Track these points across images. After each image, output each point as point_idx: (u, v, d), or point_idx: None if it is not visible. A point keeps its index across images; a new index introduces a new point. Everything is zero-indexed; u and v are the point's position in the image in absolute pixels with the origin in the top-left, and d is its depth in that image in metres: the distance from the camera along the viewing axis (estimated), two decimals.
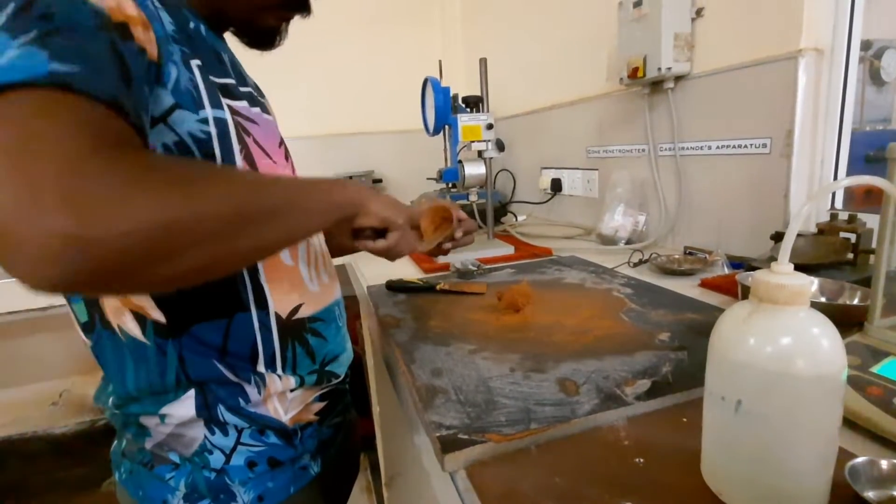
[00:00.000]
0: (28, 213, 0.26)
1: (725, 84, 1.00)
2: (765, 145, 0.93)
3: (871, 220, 0.79)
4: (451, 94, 1.26)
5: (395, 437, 1.34)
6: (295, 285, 0.54)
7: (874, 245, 0.64)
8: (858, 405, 0.43)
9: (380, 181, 2.27)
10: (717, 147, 1.03)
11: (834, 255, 0.75)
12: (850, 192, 0.97)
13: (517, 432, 0.44)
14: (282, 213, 0.40)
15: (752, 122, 0.95)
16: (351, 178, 2.14)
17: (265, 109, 0.58)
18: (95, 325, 0.49)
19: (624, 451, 0.42)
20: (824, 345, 0.31)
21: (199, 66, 0.44)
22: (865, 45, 1.02)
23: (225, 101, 0.47)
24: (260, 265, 0.51)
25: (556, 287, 0.89)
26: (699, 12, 1.03)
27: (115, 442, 0.57)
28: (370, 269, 1.12)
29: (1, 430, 2.26)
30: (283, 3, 0.55)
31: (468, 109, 1.34)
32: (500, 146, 1.25)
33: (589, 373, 0.55)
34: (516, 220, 1.73)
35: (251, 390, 0.52)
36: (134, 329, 0.48)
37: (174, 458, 0.51)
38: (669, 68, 1.05)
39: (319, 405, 0.59)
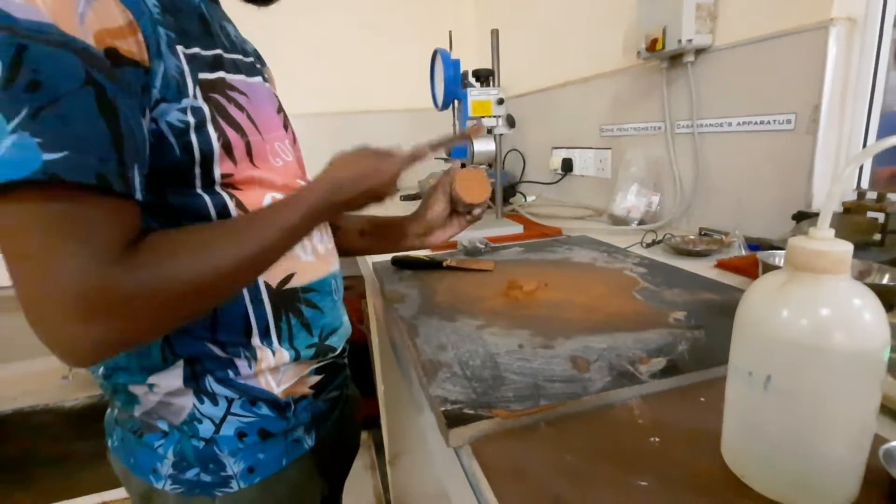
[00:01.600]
0: (54, 324, 0.34)
1: (749, 57, 0.95)
2: (789, 121, 0.89)
3: None
4: (462, 70, 1.23)
5: (400, 415, 1.34)
6: (285, 255, 0.52)
7: None
8: (891, 388, 0.40)
9: None
10: (738, 124, 0.99)
11: (860, 235, 0.72)
12: (875, 174, 0.93)
13: (526, 408, 0.42)
14: (269, 247, 0.44)
15: (776, 97, 0.91)
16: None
17: (265, 78, 0.56)
18: None
19: (638, 430, 0.40)
20: (866, 318, 0.28)
21: (184, 53, 0.43)
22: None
23: (215, 75, 0.46)
24: None
25: (566, 266, 0.86)
26: None
27: (108, 410, 0.56)
28: None
29: (12, 402, 2.30)
30: None
31: (478, 83, 1.30)
32: (511, 122, 1.21)
33: (601, 350, 0.52)
34: (525, 200, 1.69)
35: (241, 364, 0.50)
36: None
37: (163, 426, 0.50)
38: (690, 40, 1.00)
39: (315, 378, 0.58)
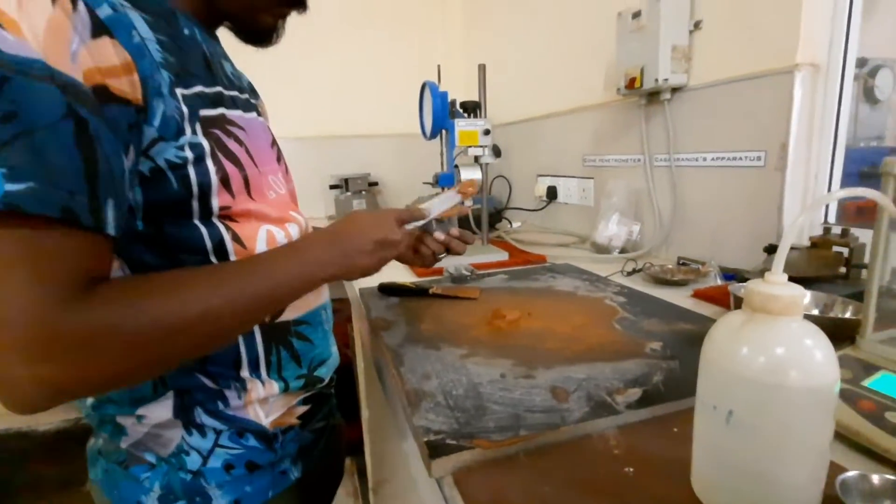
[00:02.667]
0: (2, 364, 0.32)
1: (722, 96, 1.00)
2: (759, 158, 0.94)
3: (863, 235, 0.79)
4: (450, 99, 1.27)
5: (383, 442, 1.33)
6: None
7: (867, 259, 0.64)
8: (850, 419, 0.42)
9: (375, 184, 2.27)
10: (712, 159, 1.04)
11: (826, 268, 0.75)
12: (842, 208, 0.98)
13: (506, 439, 0.43)
14: (257, 294, 0.44)
15: (748, 135, 0.96)
16: (346, 180, 2.13)
17: (259, 112, 0.59)
18: None
19: (614, 460, 0.42)
20: (817, 356, 0.31)
21: (184, 95, 0.44)
22: (860, 63, 1.03)
23: (216, 111, 0.48)
24: None
25: (549, 294, 0.89)
26: (697, 25, 1.04)
27: (92, 439, 0.55)
28: None
29: None
30: (279, 0, 0.55)
31: (466, 115, 1.34)
32: (497, 152, 1.25)
33: (580, 380, 0.54)
34: (511, 226, 1.72)
35: (231, 395, 0.51)
36: None
37: (150, 458, 0.50)
38: (666, 79, 1.05)
39: (302, 409, 0.58)
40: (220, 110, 0.48)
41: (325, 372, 0.60)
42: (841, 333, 0.54)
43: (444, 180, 1.28)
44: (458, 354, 0.63)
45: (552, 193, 1.67)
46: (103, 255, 0.38)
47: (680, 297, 0.85)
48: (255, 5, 0.54)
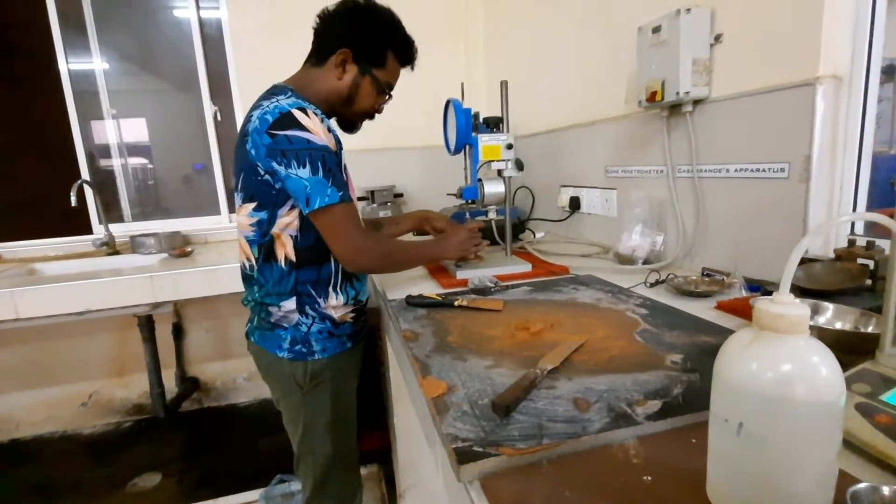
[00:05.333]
0: (353, 257, 0.95)
1: (743, 109, 1.01)
2: (783, 170, 0.94)
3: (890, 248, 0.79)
4: (473, 113, 1.30)
5: (411, 449, 1.36)
6: None
7: None
8: (866, 432, 0.44)
9: (400, 195, 2.32)
10: (736, 170, 1.04)
11: (851, 281, 0.75)
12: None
13: (530, 447, 0.46)
14: (418, 262, 1.19)
15: (771, 147, 0.96)
16: (373, 192, 2.18)
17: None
18: (261, 258, 0.98)
19: (633, 469, 0.44)
20: (823, 372, 0.33)
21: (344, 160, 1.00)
22: (889, 70, 1.02)
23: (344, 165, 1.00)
24: None
25: (572, 306, 0.91)
26: (718, 38, 1.05)
27: (249, 323, 1.08)
28: (391, 284, 1.15)
29: (32, 428, 2.35)
30: (364, 115, 1.10)
31: (489, 129, 1.38)
32: (520, 166, 1.28)
33: (601, 391, 0.56)
34: (534, 237, 1.74)
35: (321, 300, 1.00)
36: (283, 263, 0.97)
37: (285, 324, 1.00)
38: (688, 92, 1.06)
39: (353, 314, 1.06)
40: (345, 162, 0.99)
41: (363, 297, 1.10)
42: (861, 347, 0.55)
43: (468, 193, 1.31)
44: (484, 365, 0.65)
45: (575, 204, 1.68)
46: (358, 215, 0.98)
47: (703, 309, 0.86)
48: (355, 121, 1.11)
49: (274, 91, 0.95)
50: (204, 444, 2.24)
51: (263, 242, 0.96)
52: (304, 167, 0.86)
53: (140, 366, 2.20)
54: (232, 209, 2.41)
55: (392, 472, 1.66)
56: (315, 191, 0.87)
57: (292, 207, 0.93)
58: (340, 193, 0.88)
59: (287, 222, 0.94)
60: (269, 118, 0.87)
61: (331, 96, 1.01)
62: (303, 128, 0.87)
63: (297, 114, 0.87)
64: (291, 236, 0.95)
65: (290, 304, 0.97)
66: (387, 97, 1.09)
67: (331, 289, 1.00)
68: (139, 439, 2.29)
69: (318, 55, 1.01)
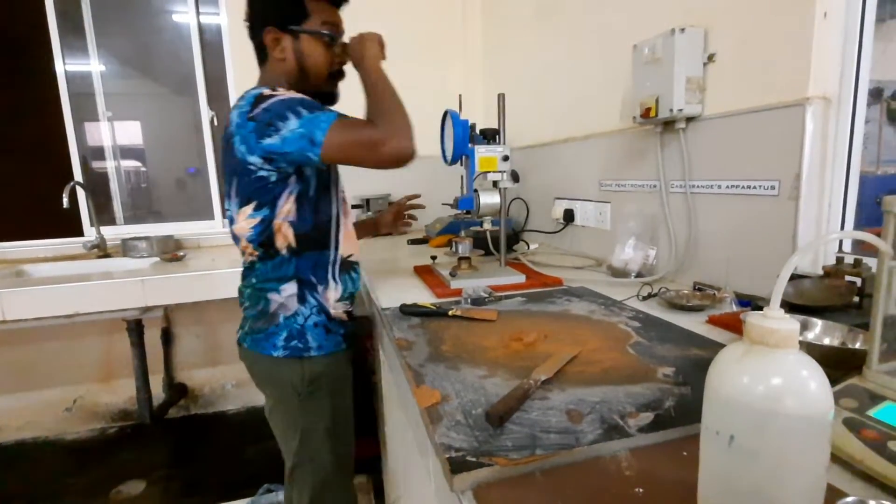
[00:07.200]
0: (376, 143, 0.90)
1: (735, 127, 1.03)
2: (773, 187, 0.96)
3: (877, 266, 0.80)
4: (470, 125, 1.31)
5: (401, 458, 1.35)
6: (353, 243, 1.09)
7: None
8: (853, 447, 0.44)
9: None
10: (727, 186, 1.06)
11: (839, 298, 0.77)
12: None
13: (523, 457, 0.46)
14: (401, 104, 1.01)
15: (761, 165, 0.98)
16: (368, 200, 2.19)
17: None
18: (262, 251, 0.98)
19: (625, 481, 0.44)
20: (812, 387, 0.33)
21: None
22: (875, 93, 1.05)
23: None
24: (342, 229, 1.05)
25: (565, 318, 0.91)
26: (711, 57, 1.07)
27: (240, 330, 1.06)
28: (385, 293, 1.15)
29: (14, 433, 2.30)
30: (330, 78, 1.06)
31: (485, 140, 1.39)
32: (515, 177, 1.29)
33: (594, 403, 0.57)
34: (528, 248, 1.75)
35: (321, 288, 1.01)
36: (283, 250, 0.98)
37: (281, 314, 0.99)
38: (681, 110, 1.08)
39: (345, 313, 1.07)
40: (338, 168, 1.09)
41: (358, 287, 1.11)
42: (848, 363, 0.56)
43: (464, 204, 1.32)
44: (478, 375, 0.66)
45: (569, 216, 1.70)
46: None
47: (694, 323, 0.87)
48: (327, 89, 1.07)
49: (242, 97, 0.96)
50: (190, 452, 2.21)
51: (264, 238, 0.97)
52: (290, 119, 0.86)
53: (127, 371, 2.18)
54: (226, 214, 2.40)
55: (380, 482, 1.65)
56: (312, 127, 0.86)
57: (290, 194, 0.95)
58: (332, 113, 0.88)
59: (287, 210, 0.95)
60: (246, 107, 0.90)
61: (289, 78, 1.01)
62: (274, 97, 0.89)
63: (266, 91, 0.90)
64: (290, 223, 0.96)
65: (291, 288, 0.98)
66: (336, 44, 1.03)
67: (330, 277, 1.02)
68: (124, 446, 2.25)
69: (259, 52, 1.04)
